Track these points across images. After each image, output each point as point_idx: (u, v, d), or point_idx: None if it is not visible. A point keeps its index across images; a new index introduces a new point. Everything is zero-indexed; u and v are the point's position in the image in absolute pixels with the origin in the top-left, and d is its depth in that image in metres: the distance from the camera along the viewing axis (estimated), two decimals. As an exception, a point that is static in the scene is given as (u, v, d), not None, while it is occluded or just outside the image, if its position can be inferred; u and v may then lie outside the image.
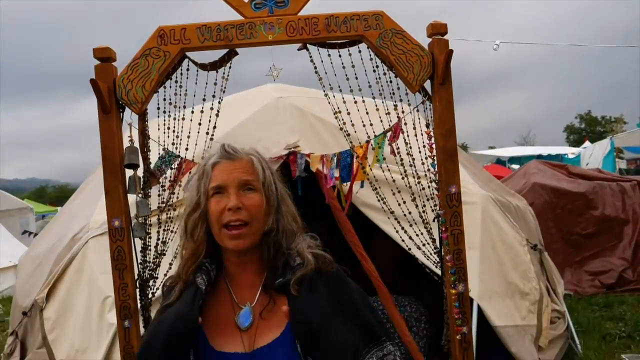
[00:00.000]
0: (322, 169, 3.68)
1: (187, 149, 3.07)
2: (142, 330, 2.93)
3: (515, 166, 19.15)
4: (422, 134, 3.22)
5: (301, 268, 1.41)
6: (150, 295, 3.02)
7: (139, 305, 2.93)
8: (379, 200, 3.30)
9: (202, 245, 1.42)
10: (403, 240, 3.38)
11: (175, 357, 1.31)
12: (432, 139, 3.11)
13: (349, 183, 3.49)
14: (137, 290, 2.93)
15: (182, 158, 3.05)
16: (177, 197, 3.09)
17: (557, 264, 5.43)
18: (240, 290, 1.44)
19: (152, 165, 3.02)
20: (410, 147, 3.26)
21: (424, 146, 3.22)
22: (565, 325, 4.38)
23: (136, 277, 2.94)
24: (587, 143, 22.54)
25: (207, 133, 3.09)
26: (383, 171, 3.57)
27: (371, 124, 3.20)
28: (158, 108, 2.86)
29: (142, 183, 2.94)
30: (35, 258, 4.43)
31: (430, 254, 3.28)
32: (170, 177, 3.03)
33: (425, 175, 3.28)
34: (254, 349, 1.35)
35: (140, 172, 2.93)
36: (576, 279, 6.99)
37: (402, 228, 3.32)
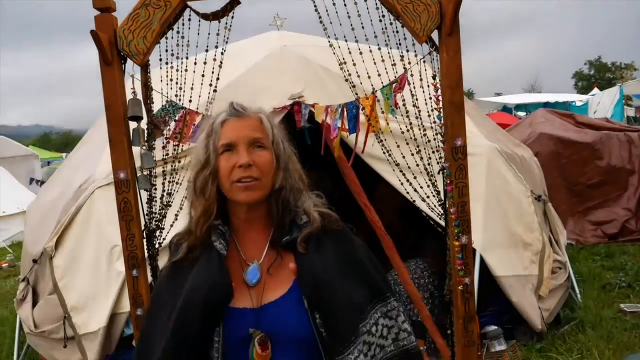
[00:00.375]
0: (326, 120, 3.67)
1: (190, 101, 3.04)
2: (149, 279, 3.00)
3: (522, 113, 18.94)
4: (428, 86, 3.18)
5: (308, 226, 1.42)
6: (157, 246, 3.07)
7: (146, 254, 2.98)
8: (384, 152, 3.29)
9: (213, 203, 1.42)
10: (408, 192, 3.39)
11: (211, 324, 1.34)
12: (439, 90, 3.07)
13: (354, 134, 3.46)
14: (144, 240, 2.98)
15: (185, 109, 3.02)
16: (182, 149, 3.09)
17: (560, 214, 5.45)
18: (248, 247, 1.46)
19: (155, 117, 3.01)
20: (417, 99, 3.22)
21: (430, 98, 3.18)
22: (567, 275, 4.44)
23: (143, 227, 2.98)
24: (595, 90, 22.20)
25: (210, 85, 3.06)
26: (388, 122, 3.55)
27: (378, 75, 3.15)
28: (160, 59, 2.81)
29: (146, 135, 2.94)
30: (43, 207, 4.48)
31: (435, 206, 3.30)
32: (174, 128, 3.02)
33: (431, 127, 3.25)
34: (261, 305, 1.38)
35: (143, 124, 2.92)
36: (579, 229, 7.02)
37: (407, 180, 3.32)
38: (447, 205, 3.16)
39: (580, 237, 6.92)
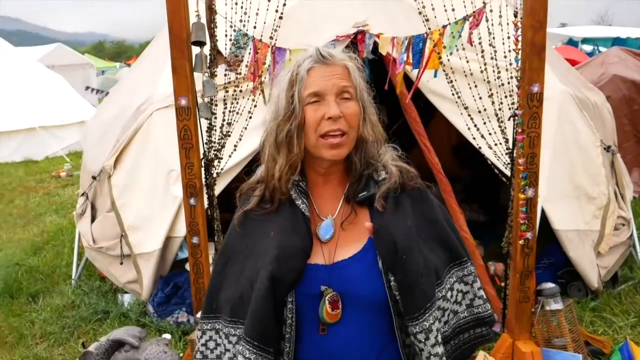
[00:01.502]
0: (392, 52, 3.49)
1: (255, 27, 2.91)
2: (205, 205, 3.01)
3: (588, 48, 17.75)
4: (507, 24, 2.95)
5: (386, 182, 1.34)
6: (214, 175, 3.05)
7: (203, 182, 2.98)
8: (453, 94, 3.11)
9: (300, 156, 1.33)
10: (474, 138, 3.23)
11: (294, 286, 1.30)
12: (519, 30, 2.84)
13: (417, 70, 3.27)
14: (202, 169, 2.97)
15: (253, 38, 2.90)
16: (243, 77, 3.00)
17: (625, 163, 5.14)
18: (322, 201, 1.39)
19: (218, 43, 2.91)
20: (494, 38, 3.00)
21: (509, 37, 2.95)
22: (630, 232, 4.25)
23: (202, 156, 2.96)
24: (674, 26, 20.51)
25: (277, 10, 2.91)
26: (461, 59, 3.33)
27: (453, 10, 2.93)
28: (227, -18, 2.67)
29: (208, 62, 2.85)
30: (102, 124, 4.51)
31: (502, 154, 3.14)
32: (239, 57, 2.91)
33: (507, 69, 3.04)
34: (333, 262, 1.32)
35: (206, 50, 2.83)
36: (643, 181, 6.69)
37: (475, 125, 3.15)
38: (515, 155, 3.01)
39: (644, 190, 6.59)
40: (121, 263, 3.78)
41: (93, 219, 4.17)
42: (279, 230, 1.32)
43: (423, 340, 1.26)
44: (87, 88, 12.52)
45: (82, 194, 4.30)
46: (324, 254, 1.33)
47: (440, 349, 1.27)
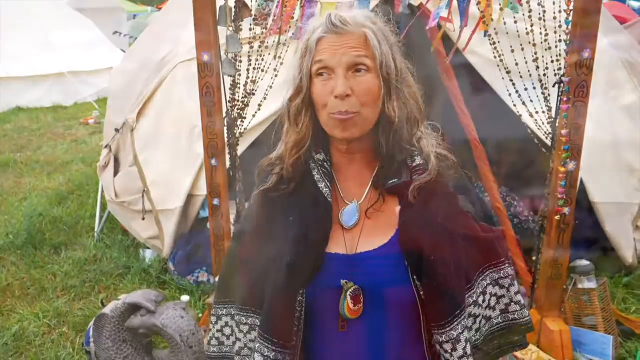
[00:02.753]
0: (426, 5, 3.27)
1: (283, -23, 2.71)
2: (227, 165, 2.92)
3: (636, 3, 16.83)
4: (560, -20, 2.70)
5: (422, 172, 1.19)
6: (237, 135, 2.94)
7: (226, 142, 2.87)
8: (495, 57, 2.90)
9: (307, 134, 1.21)
10: (515, 105, 3.02)
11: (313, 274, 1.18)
12: (573, -12, 2.60)
13: (459, 28, 3.04)
14: (225, 128, 2.85)
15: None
16: (269, 32, 2.82)
17: (670, 132, 4.86)
18: (347, 183, 1.25)
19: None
20: (544, -4, 2.76)
21: (560, -4, 2.71)
22: (672, 207, 4.03)
23: (224, 115, 2.84)
24: None
25: (307, -40, 2.71)
26: (504, 18, 3.09)
27: (502, -37, 2.68)
28: None
29: (232, 15, 2.68)
30: (126, 74, 4.38)
31: (543, 123, 2.93)
32: (266, 9, 2.74)
33: (555, 31, 2.80)
34: (355, 252, 1.20)
35: (231, 2, 2.66)
36: (688, 151, 6.35)
37: (516, 91, 2.94)
38: (557, 125, 2.81)
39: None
40: (143, 218, 3.74)
41: (116, 172, 4.12)
42: (298, 217, 1.20)
43: (449, 351, 1.15)
44: (115, 32, 12.33)
45: (106, 146, 4.24)
46: (346, 242, 1.20)
47: None
